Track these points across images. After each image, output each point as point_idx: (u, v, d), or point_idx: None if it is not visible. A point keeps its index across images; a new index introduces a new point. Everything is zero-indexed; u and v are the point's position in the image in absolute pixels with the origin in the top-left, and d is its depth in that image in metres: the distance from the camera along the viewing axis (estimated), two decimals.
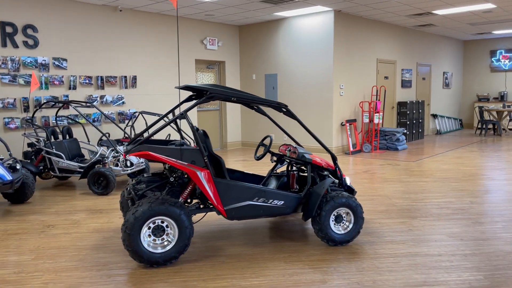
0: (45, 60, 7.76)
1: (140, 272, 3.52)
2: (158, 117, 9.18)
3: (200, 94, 4.57)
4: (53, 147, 6.62)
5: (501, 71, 15.29)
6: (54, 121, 7.91)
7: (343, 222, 4.03)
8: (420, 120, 12.53)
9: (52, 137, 6.90)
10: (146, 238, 3.55)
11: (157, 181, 4.08)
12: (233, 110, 11.33)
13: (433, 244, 4.03)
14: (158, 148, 3.74)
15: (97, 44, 8.44)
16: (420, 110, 12.49)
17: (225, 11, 9.29)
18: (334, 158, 4.27)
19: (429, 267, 3.51)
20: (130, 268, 3.60)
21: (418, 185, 6.53)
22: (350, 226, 4.02)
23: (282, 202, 3.99)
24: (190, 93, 10.39)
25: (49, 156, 6.55)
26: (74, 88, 8.15)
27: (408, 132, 12.02)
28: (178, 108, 9.84)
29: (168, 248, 3.59)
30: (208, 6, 8.82)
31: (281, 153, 4.70)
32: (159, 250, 3.58)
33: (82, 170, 6.49)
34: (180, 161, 3.70)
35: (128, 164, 6.60)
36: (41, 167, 6.68)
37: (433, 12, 9.83)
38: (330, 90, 9.62)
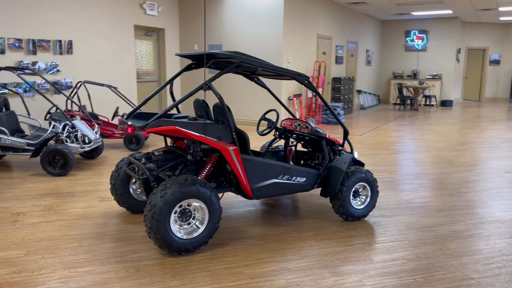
0: None
1: (170, 261, 3.16)
2: (113, 89, 8.38)
3: (200, 63, 4.17)
4: None
5: (414, 51, 16.52)
6: None
7: (360, 197, 4.02)
8: (350, 96, 13.07)
9: None
10: (174, 224, 3.18)
11: (171, 160, 3.65)
12: (176, 81, 10.70)
13: (441, 214, 4.21)
14: (179, 122, 3.33)
15: (27, 0, 7.28)
16: (350, 86, 13.02)
17: None
18: (346, 133, 4.20)
19: (466, 236, 3.65)
20: (155, 258, 3.21)
21: (383, 158, 6.81)
22: (368, 200, 4.02)
23: (304, 179, 3.85)
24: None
25: None
26: (3, 52, 6.99)
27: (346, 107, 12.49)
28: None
29: (198, 233, 3.26)
30: None
31: (284, 128, 4.52)
32: (189, 236, 3.23)
33: (31, 148, 5.63)
34: (211, 138, 3.35)
35: (86, 140, 5.88)
36: None
37: None
38: (279, 64, 9.52)
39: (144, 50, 10.00)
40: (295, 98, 10.07)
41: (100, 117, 7.85)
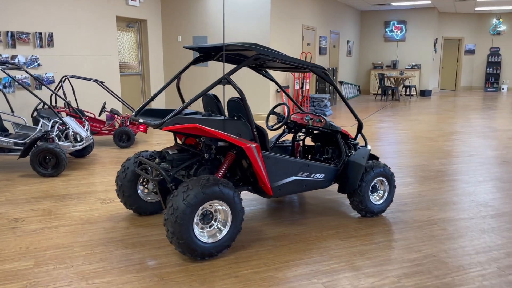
0: None
1: (194, 267, 2.97)
2: (100, 83, 8.02)
3: (207, 56, 3.97)
4: None
5: (394, 41, 16.63)
6: None
7: (378, 192, 3.93)
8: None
9: None
10: (197, 227, 3.00)
11: (186, 159, 3.44)
12: (157, 74, 10.38)
13: (456, 207, 4.17)
14: (197, 119, 3.14)
15: None
16: (334, 77, 12.98)
17: None
18: (360, 126, 4.09)
19: (477, 229, 3.61)
20: (177, 264, 3.02)
21: (379, 150, 6.77)
22: (386, 195, 3.93)
23: (323, 175, 3.72)
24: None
25: None
26: None
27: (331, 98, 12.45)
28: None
29: (221, 235, 3.09)
30: None
31: (293, 122, 4.37)
32: (211, 240, 3.06)
33: (19, 147, 5.29)
34: (233, 135, 3.17)
35: (78, 138, 5.57)
36: None
37: None
38: None
39: (126, 42, 9.63)
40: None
41: (86, 113, 7.50)
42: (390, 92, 14.85)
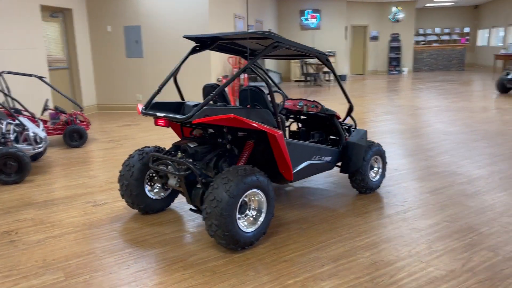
0: None
1: (238, 257, 2.97)
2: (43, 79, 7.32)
3: (203, 45, 3.89)
4: None
5: (310, 29, 17.36)
6: None
7: (373, 169, 4.20)
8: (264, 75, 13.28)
9: None
10: (239, 218, 2.99)
11: (209, 151, 3.37)
12: (86, 66, 9.70)
13: (437, 177, 4.62)
14: (223, 109, 3.10)
15: None
16: (262, 65, 13.22)
17: None
18: (351, 109, 4.30)
19: (472, 194, 4.05)
20: (219, 257, 2.98)
21: None
22: (380, 171, 4.23)
23: (330, 157, 3.88)
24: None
25: None
26: None
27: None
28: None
29: (258, 223, 3.11)
30: None
31: (286, 109, 4.46)
32: (252, 228, 3.07)
33: None
34: (265, 124, 3.18)
35: (38, 140, 5.08)
36: None
37: None
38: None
39: (51, 34, 8.84)
40: (224, 80, 9.92)
41: (23, 113, 6.83)
42: (312, 78, 15.52)
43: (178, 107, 3.71)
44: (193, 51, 3.82)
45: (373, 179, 4.15)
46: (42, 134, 5.14)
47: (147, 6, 9.34)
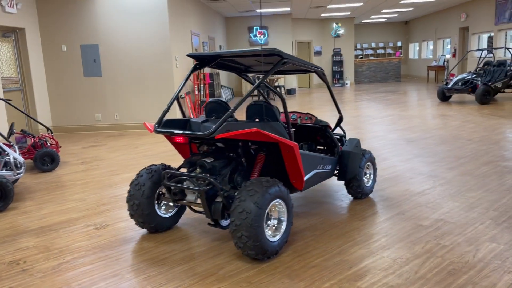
0: None
1: (267, 267, 3.05)
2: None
3: (203, 63, 3.98)
4: None
5: (259, 45, 17.75)
6: None
7: (366, 175, 4.46)
8: (219, 91, 13.41)
9: None
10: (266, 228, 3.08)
11: (226, 165, 3.42)
12: (40, 87, 9.29)
13: (416, 181, 4.96)
14: (242, 124, 3.21)
15: None
16: (217, 82, 13.36)
17: None
18: (340, 120, 4.54)
19: (454, 194, 4.41)
20: (247, 268, 3.05)
21: None
22: (372, 177, 4.49)
23: (330, 166, 4.08)
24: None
25: None
26: None
27: None
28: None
29: (281, 232, 3.21)
30: None
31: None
32: (276, 238, 3.17)
33: None
34: (283, 137, 3.30)
35: (18, 165, 4.84)
36: None
37: None
38: (168, 61, 9.22)
39: (4, 54, 8.42)
40: (186, 96, 9.92)
41: None
42: (266, 92, 15.86)
43: (184, 123, 3.75)
44: (195, 68, 3.89)
45: (367, 185, 4.40)
46: (20, 159, 4.90)
47: (106, 24, 9.18)
